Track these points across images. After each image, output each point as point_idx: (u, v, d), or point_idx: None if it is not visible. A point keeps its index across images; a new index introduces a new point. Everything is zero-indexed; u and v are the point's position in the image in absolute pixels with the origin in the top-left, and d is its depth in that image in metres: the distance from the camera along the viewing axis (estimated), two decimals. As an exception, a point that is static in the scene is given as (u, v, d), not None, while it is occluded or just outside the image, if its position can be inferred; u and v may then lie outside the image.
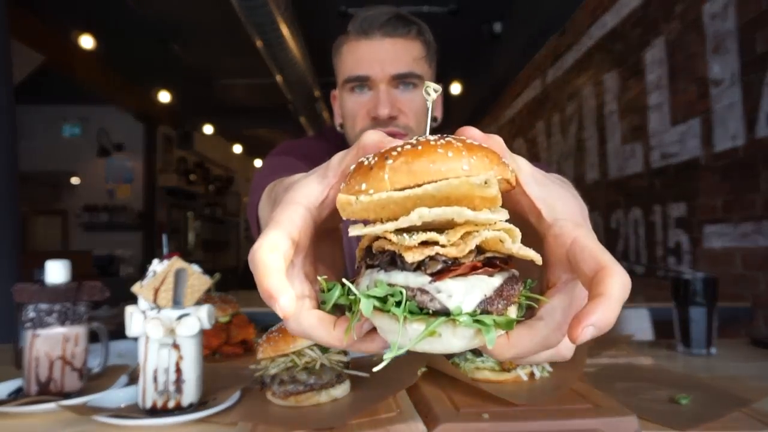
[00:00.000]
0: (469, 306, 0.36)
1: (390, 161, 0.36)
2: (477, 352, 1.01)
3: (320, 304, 0.41)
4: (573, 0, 4.71)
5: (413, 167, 0.35)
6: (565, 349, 0.42)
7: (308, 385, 0.91)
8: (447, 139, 0.38)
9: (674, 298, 1.39)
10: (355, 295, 0.38)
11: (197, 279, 0.95)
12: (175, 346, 0.92)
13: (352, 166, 0.40)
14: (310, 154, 1.31)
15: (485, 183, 0.35)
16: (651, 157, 3.60)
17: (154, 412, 0.91)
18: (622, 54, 4.01)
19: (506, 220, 0.39)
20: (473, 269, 0.37)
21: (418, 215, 0.35)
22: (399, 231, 0.37)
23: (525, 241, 0.40)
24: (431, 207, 0.35)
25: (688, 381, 1.07)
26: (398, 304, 0.36)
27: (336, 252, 0.49)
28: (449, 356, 1.06)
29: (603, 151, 4.36)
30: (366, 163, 0.38)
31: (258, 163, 13.59)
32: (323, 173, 0.44)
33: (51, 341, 1.03)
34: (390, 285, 0.37)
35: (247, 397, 0.98)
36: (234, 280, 8.91)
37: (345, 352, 0.96)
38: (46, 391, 1.02)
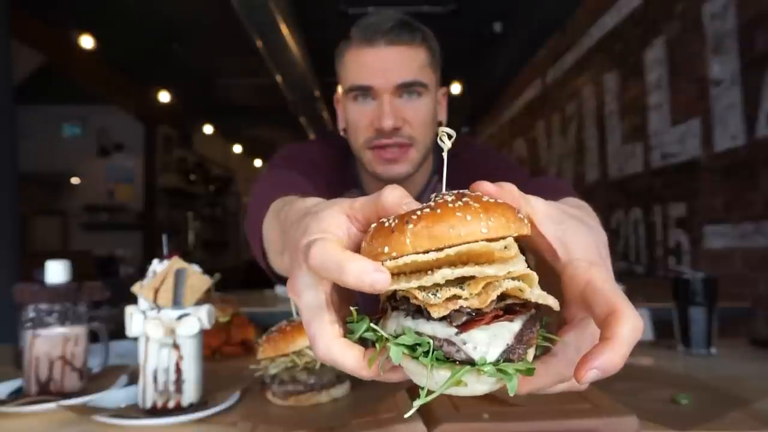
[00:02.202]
0: (492, 356, 0.38)
1: (410, 226, 0.38)
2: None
3: (347, 333, 0.43)
4: (573, 0, 4.71)
5: (434, 232, 0.37)
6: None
7: (308, 385, 0.91)
8: (464, 200, 0.40)
9: (674, 298, 1.39)
10: (381, 334, 0.41)
11: (197, 279, 0.95)
12: (175, 346, 0.92)
13: (374, 226, 0.42)
14: (315, 161, 1.29)
15: (505, 248, 0.38)
16: (651, 157, 3.60)
17: (154, 412, 0.91)
18: (622, 54, 4.01)
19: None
20: (495, 318, 0.39)
21: (442, 276, 0.37)
22: (424, 287, 0.40)
23: (544, 278, 0.42)
24: (452, 265, 0.38)
25: (688, 381, 1.07)
26: (425, 353, 0.39)
27: None
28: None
29: (603, 151, 4.36)
30: (387, 225, 0.40)
31: (258, 163, 13.60)
32: (347, 209, 0.46)
33: (51, 341, 1.03)
34: (418, 333, 0.40)
35: (247, 397, 0.98)
36: (234, 280, 8.91)
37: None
38: (46, 391, 1.02)
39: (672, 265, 3.34)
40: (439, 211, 0.38)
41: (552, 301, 0.40)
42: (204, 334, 1.02)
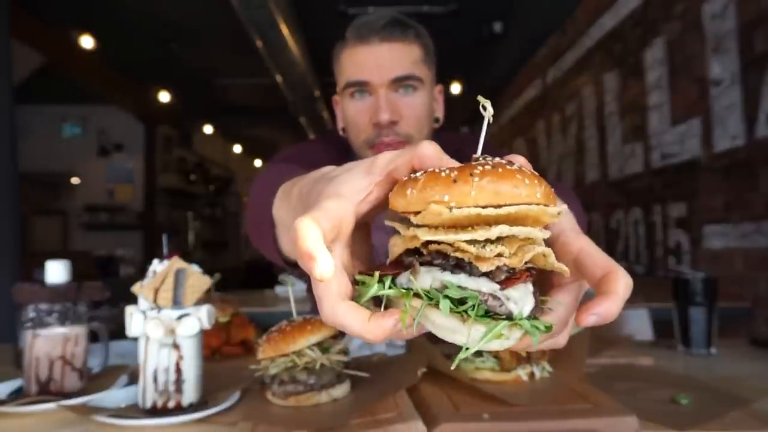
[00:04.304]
0: (526, 312, 0.41)
1: (476, 179, 0.39)
2: (477, 353, 1.01)
3: (355, 297, 0.43)
4: (573, 0, 4.71)
5: (499, 188, 0.39)
6: (561, 337, 0.47)
7: (308, 385, 0.91)
8: (516, 166, 0.41)
9: (674, 298, 1.39)
10: (407, 289, 0.42)
11: (197, 279, 0.95)
12: (175, 346, 0.92)
13: (421, 173, 0.42)
14: (313, 160, 1.30)
15: (558, 213, 0.41)
16: (651, 157, 3.60)
17: (154, 412, 0.91)
18: (622, 54, 4.01)
19: None
20: (528, 277, 0.42)
21: (500, 231, 0.39)
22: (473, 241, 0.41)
23: None
24: (505, 224, 0.39)
25: (688, 381, 1.07)
26: (472, 307, 0.40)
27: (365, 246, 0.51)
28: (449, 356, 1.06)
29: (603, 151, 4.37)
30: (445, 174, 0.40)
31: (258, 163, 13.59)
32: (368, 169, 0.46)
33: (51, 341, 1.03)
34: (461, 288, 0.41)
35: (247, 397, 0.98)
36: (234, 280, 8.91)
37: (345, 352, 0.96)
38: (46, 391, 1.02)
39: (672, 265, 3.34)
40: (500, 170, 0.40)
41: (566, 269, 0.43)
42: (204, 334, 1.02)
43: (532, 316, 0.42)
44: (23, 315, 1.03)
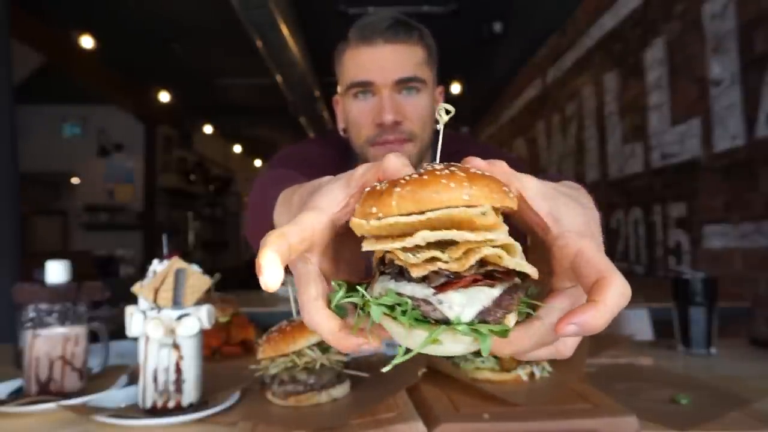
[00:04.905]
0: (467, 316, 0.40)
1: (398, 189, 0.40)
2: (477, 353, 1.01)
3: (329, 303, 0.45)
4: (573, 0, 4.71)
5: (418, 196, 0.39)
6: (565, 347, 0.45)
7: (308, 385, 0.91)
8: (452, 169, 0.41)
9: (674, 298, 1.39)
10: (362, 297, 0.43)
11: (197, 279, 0.95)
12: (175, 346, 0.92)
13: (367, 189, 0.44)
14: (313, 161, 1.31)
15: (483, 214, 0.39)
16: (651, 157, 3.60)
17: (154, 412, 0.91)
18: (622, 54, 4.01)
19: (516, 235, 0.43)
20: (474, 282, 0.41)
21: (422, 238, 0.39)
22: (406, 249, 0.41)
23: (535, 254, 0.45)
24: (434, 230, 0.39)
25: (688, 381, 1.07)
26: (404, 312, 0.40)
27: (357, 251, 0.52)
28: (449, 357, 1.06)
29: (603, 151, 4.37)
30: (378, 188, 0.42)
31: (258, 163, 13.59)
32: (347, 182, 0.48)
33: (51, 341, 1.03)
34: (398, 294, 0.42)
35: (247, 397, 0.98)
36: (234, 280, 8.90)
37: (345, 352, 0.96)
38: (46, 391, 1.02)
39: (672, 265, 3.34)
40: (426, 177, 0.40)
41: (530, 269, 0.41)
42: (204, 334, 1.02)
43: (487, 320, 0.40)
44: (23, 315, 1.03)
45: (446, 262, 0.40)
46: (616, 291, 0.37)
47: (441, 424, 0.77)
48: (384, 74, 1.20)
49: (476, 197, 0.39)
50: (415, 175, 0.41)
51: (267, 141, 10.96)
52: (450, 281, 0.40)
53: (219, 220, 12.27)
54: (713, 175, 2.92)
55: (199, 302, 0.96)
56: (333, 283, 0.45)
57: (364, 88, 1.22)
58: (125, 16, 5.25)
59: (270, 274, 0.39)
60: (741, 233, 2.72)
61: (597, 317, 0.37)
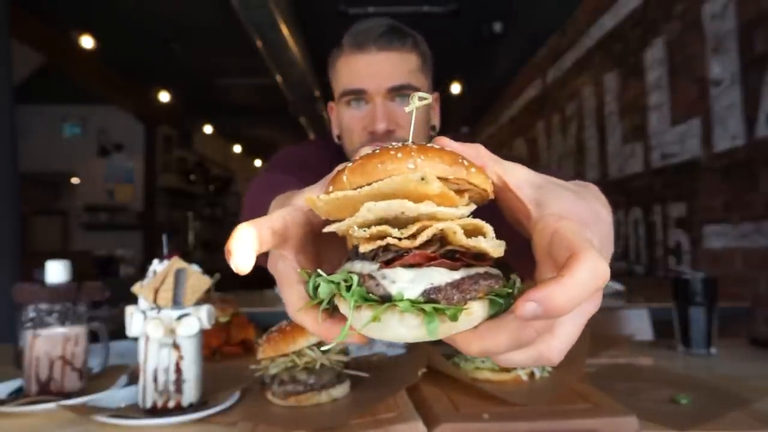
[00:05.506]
0: (412, 293, 0.36)
1: (350, 164, 0.40)
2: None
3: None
4: (573, 0, 4.71)
5: (366, 168, 0.38)
6: (549, 351, 0.37)
7: (308, 385, 0.91)
8: (408, 143, 0.40)
9: (674, 298, 1.39)
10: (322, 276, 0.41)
11: (197, 279, 0.95)
12: (175, 346, 0.92)
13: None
14: (309, 163, 1.30)
15: (422, 179, 0.36)
16: (651, 157, 3.60)
17: (154, 412, 0.91)
18: (622, 54, 4.01)
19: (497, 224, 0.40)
20: (428, 260, 0.38)
21: (367, 209, 0.37)
22: (364, 226, 0.39)
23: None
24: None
25: (688, 381, 1.07)
26: (348, 288, 0.39)
27: (342, 253, 0.51)
28: (449, 356, 1.06)
29: (603, 151, 4.37)
30: (338, 169, 0.42)
31: (258, 163, 13.59)
32: (323, 183, 0.48)
33: (51, 341, 1.03)
34: (350, 272, 0.40)
35: (247, 397, 0.98)
36: (234, 280, 8.89)
37: (345, 352, 0.96)
38: (46, 391, 1.02)
39: (672, 265, 3.34)
40: (377, 150, 0.40)
41: (486, 246, 0.37)
42: (204, 334, 1.02)
43: (436, 300, 0.36)
44: (23, 315, 1.03)
45: (399, 239, 0.37)
46: (587, 267, 0.31)
47: (441, 424, 0.77)
48: (377, 82, 1.19)
49: (422, 166, 0.37)
50: (370, 151, 0.40)
51: (267, 141, 10.95)
52: (398, 257, 0.38)
53: (219, 220, 12.27)
54: (713, 175, 2.92)
55: (199, 302, 0.96)
56: (300, 272, 0.44)
57: (357, 95, 1.21)
58: (125, 16, 5.25)
59: (240, 257, 0.39)
60: (741, 233, 2.72)
61: (559, 293, 0.31)
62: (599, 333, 1.36)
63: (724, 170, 2.83)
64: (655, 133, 3.53)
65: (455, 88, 6.76)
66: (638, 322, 1.99)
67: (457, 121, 8.70)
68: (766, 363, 1.27)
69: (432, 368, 1.00)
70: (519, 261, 0.50)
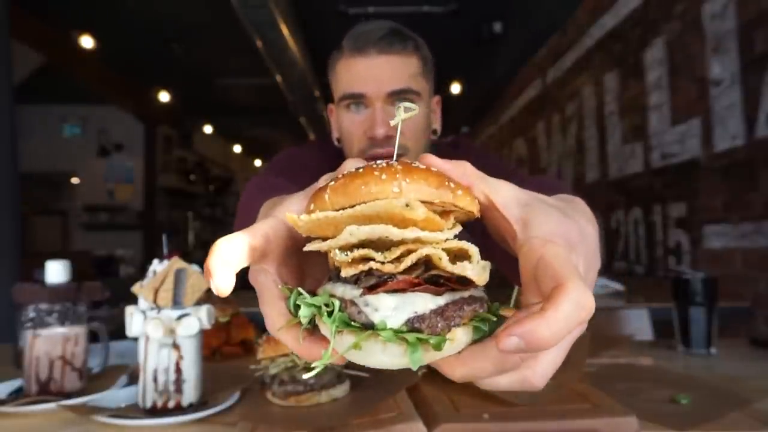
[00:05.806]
0: (396, 322, 0.36)
1: (332, 183, 0.38)
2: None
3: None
4: (573, 0, 4.71)
5: (348, 189, 0.37)
6: (534, 375, 0.38)
7: (308, 385, 0.91)
8: (393, 163, 0.38)
9: (674, 298, 1.39)
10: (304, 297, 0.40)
11: (197, 279, 0.95)
12: (175, 346, 0.92)
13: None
14: (309, 166, 1.29)
15: (407, 206, 0.35)
16: (651, 157, 3.60)
17: (154, 412, 0.91)
18: (622, 54, 4.01)
19: (482, 245, 0.40)
20: (412, 286, 0.37)
21: (350, 233, 0.36)
22: (346, 249, 0.38)
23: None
24: (363, 225, 0.36)
25: (688, 381, 1.07)
26: (330, 314, 0.37)
27: (326, 266, 0.50)
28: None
29: (603, 151, 4.37)
30: (320, 186, 0.41)
31: (258, 163, 13.59)
32: (306, 193, 0.47)
33: (51, 341, 1.03)
34: (331, 296, 0.39)
35: (247, 397, 0.98)
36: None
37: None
38: (46, 391, 1.02)
39: (672, 265, 3.34)
40: (361, 170, 0.38)
41: (470, 273, 0.37)
42: (204, 334, 1.02)
43: (420, 329, 0.36)
44: (23, 315, 1.03)
45: (382, 263, 0.36)
46: (571, 300, 0.31)
47: (441, 424, 0.77)
48: (377, 86, 1.17)
49: (408, 190, 0.36)
50: (354, 170, 0.39)
51: (267, 141, 10.96)
52: (382, 282, 0.37)
53: (219, 220, 12.27)
54: (713, 175, 2.92)
55: (199, 302, 0.96)
56: (281, 288, 0.42)
57: (357, 99, 1.19)
58: (125, 16, 5.25)
59: (221, 278, 0.38)
60: (741, 233, 2.72)
61: (543, 329, 0.31)
62: (599, 333, 1.36)
63: (724, 170, 2.83)
64: (655, 133, 3.53)
65: (455, 88, 6.76)
66: (638, 322, 1.99)
67: (457, 121, 8.71)
68: (766, 363, 1.27)
69: (432, 368, 1.00)
70: (510, 272, 0.50)
